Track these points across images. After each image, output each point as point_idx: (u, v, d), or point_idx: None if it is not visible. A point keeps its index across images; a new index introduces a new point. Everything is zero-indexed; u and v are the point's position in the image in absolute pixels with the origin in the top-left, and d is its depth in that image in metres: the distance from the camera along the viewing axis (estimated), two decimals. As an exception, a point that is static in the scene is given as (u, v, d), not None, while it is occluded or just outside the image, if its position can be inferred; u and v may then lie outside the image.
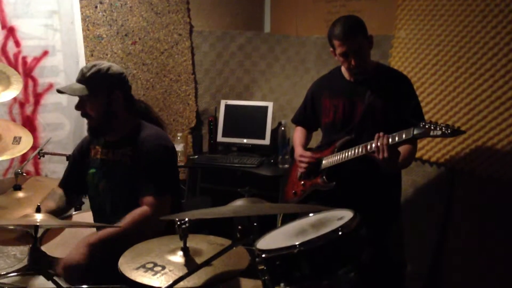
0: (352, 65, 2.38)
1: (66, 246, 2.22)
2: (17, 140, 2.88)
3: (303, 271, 1.75)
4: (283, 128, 3.53)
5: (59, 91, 2.18)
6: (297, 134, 2.83)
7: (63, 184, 2.40)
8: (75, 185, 2.38)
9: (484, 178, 2.62)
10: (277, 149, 3.52)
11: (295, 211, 2.16)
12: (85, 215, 2.74)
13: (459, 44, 2.71)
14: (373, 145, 2.23)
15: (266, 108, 3.72)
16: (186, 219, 1.59)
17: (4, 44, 3.18)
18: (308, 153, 2.61)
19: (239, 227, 1.51)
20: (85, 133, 2.40)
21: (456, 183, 2.80)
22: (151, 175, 2.11)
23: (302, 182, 2.62)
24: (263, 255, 1.80)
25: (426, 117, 2.66)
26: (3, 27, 3.16)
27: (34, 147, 3.08)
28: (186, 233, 1.61)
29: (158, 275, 1.53)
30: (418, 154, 2.87)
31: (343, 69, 2.54)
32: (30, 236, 2.78)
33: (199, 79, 3.90)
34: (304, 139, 2.80)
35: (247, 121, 3.78)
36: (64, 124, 3.42)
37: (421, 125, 2.15)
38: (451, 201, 2.82)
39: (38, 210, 2.04)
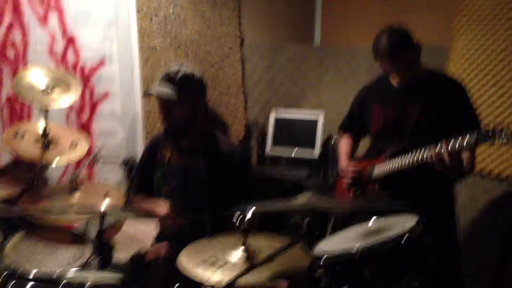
0: (401, 80, 2.33)
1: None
2: (74, 146, 2.94)
3: (364, 277, 1.69)
4: (333, 143, 3.47)
5: (147, 93, 2.24)
6: (342, 143, 2.78)
7: (140, 187, 2.40)
8: (149, 187, 2.37)
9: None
10: (327, 162, 3.46)
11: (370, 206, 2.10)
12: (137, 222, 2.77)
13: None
14: (430, 153, 2.14)
15: (316, 119, 3.69)
16: (249, 213, 1.57)
17: (64, 54, 3.28)
18: (353, 163, 2.57)
19: (308, 218, 1.47)
20: (138, 142, 2.44)
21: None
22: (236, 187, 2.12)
23: (354, 189, 2.54)
24: (323, 258, 1.76)
25: (487, 121, 2.56)
26: (64, 36, 3.26)
27: (87, 154, 3.15)
28: (246, 233, 1.58)
29: (220, 270, 1.50)
30: (477, 168, 2.77)
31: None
32: (83, 237, 2.83)
33: (248, 91, 3.91)
34: (349, 148, 2.73)
35: (296, 133, 3.76)
36: (117, 132, 3.49)
37: (485, 132, 2.06)
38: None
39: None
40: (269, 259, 1.46)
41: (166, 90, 2.16)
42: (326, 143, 3.69)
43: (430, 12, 3.15)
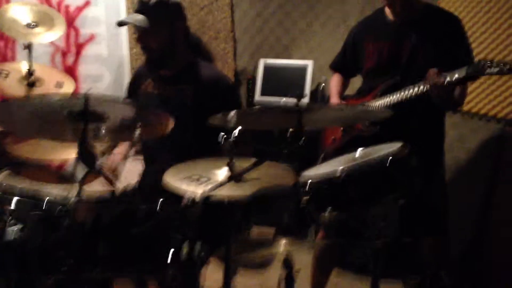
0: (398, 6, 2.29)
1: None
2: (59, 85, 2.90)
3: (350, 196, 1.70)
4: (323, 84, 3.46)
5: (121, 23, 2.15)
6: (333, 82, 2.75)
7: None
8: None
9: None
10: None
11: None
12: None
13: (514, -11, 2.58)
14: (422, 87, 2.15)
15: (305, 67, 3.65)
16: (234, 132, 1.55)
17: (48, -9, 3.20)
18: (343, 101, 2.56)
19: (290, 129, 1.46)
20: (125, 85, 2.39)
21: (507, 137, 2.68)
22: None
23: (342, 128, 2.54)
24: (309, 181, 1.76)
25: (478, 58, 2.54)
26: (47, -26, 3.18)
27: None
28: (232, 147, 1.56)
29: (203, 185, 1.50)
30: (466, 107, 2.77)
31: (387, 9, 2.44)
32: (71, 176, 2.81)
33: (238, 38, 3.85)
34: (340, 87, 2.71)
35: (286, 80, 3.71)
36: (104, 76, 3.44)
37: (475, 63, 2.06)
38: (501, 157, 2.70)
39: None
40: (248, 170, 1.45)
41: (139, 17, 2.08)
42: (316, 91, 3.66)
43: None
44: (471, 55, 2.34)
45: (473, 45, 2.69)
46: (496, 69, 1.99)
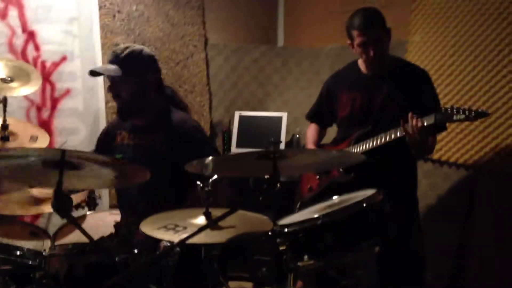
0: (371, 56, 2.39)
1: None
2: (34, 139, 2.88)
3: (326, 243, 1.71)
4: (298, 136, 3.51)
5: (93, 72, 2.20)
6: (309, 132, 2.81)
7: None
8: None
9: (507, 175, 2.58)
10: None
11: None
12: (101, 215, 2.70)
13: (475, 43, 2.73)
14: (397, 132, 2.23)
15: (280, 118, 3.72)
16: (210, 181, 1.56)
17: (24, 48, 3.23)
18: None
19: (266, 176, 1.47)
20: None
21: (477, 183, 2.75)
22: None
23: (318, 177, 2.57)
24: (286, 230, 1.77)
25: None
26: (24, 30, 3.22)
27: (49, 151, 3.08)
28: (208, 196, 1.57)
29: (179, 233, 1.49)
30: (436, 155, 2.84)
31: (360, 62, 2.55)
32: (43, 232, 2.75)
33: (213, 91, 3.92)
34: (316, 136, 2.77)
35: (261, 132, 3.76)
36: (79, 129, 3.43)
37: (443, 110, 2.15)
38: (473, 203, 2.76)
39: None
40: (224, 217, 1.45)
41: (110, 67, 2.14)
42: (291, 143, 3.72)
43: (388, 10, 3.25)
44: (438, 104, 2.44)
45: (440, 96, 2.81)
46: (462, 116, 2.09)
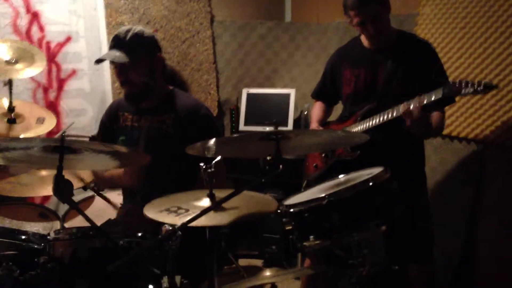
0: (371, 34, 2.33)
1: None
2: (40, 120, 2.89)
3: (332, 223, 1.69)
4: (305, 113, 3.48)
5: (99, 60, 2.14)
6: (315, 110, 2.77)
7: None
8: None
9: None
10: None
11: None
12: (109, 196, 2.71)
13: (487, 14, 2.64)
14: (400, 110, 2.17)
15: (288, 95, 3.69)
16: (212, 163, 1.55)
17: (29, 29, 3.21)
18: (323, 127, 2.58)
19: (268, 157, 1.45)
20: None
21: (487, 158, 2.70)
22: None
23: (324, 154, 2.54)
24: (291, 210, 1.75)
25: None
26: (28, 11, 3.19)
27: (57, 132, 3.09)
28: (211, 177, 1.55)
29: (181, 216, 1.48)
30: (446, 131, 2.79)
31: (362, 37, 2.48)
32: (53, 213, 2.77)
33: (220, 69, 3.88)
34: (321, 114, 2.73)
35: (269, 109, 3.74)
36: (86, 110, 3.43)
37: (451, 84, 2.09)
38: (483, 178, 2.72)
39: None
40: (228, 198, 1.44)
41: (118, 54, 2.06)
42: (299, 119, 3.68)
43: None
44: (445, 77, 2.38)
45: (449, 70, 2.75)
46: (471, 89, 2.03)
